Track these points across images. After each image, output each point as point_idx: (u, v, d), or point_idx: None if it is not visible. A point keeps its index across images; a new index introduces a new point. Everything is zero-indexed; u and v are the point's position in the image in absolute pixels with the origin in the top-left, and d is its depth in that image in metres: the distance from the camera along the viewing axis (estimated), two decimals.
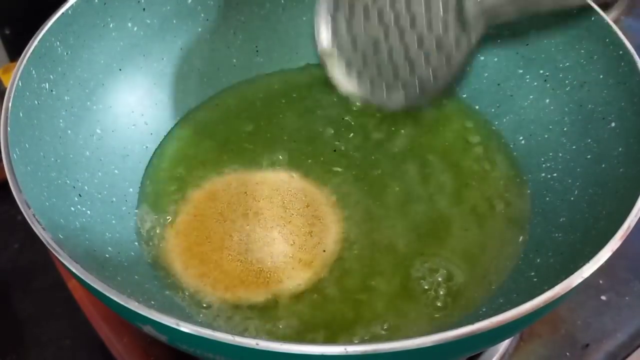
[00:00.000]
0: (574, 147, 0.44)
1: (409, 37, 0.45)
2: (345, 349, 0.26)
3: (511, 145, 0.49)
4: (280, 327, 0.39)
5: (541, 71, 0.48)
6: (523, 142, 0.49)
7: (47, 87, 0.41)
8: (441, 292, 0.41)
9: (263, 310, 0.40)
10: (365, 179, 0.47)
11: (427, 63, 0.45)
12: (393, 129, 0.51)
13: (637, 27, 0.68)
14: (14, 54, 0.61)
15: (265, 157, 0.49)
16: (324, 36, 0.47)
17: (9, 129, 0.36)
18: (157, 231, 0.45)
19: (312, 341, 0.38)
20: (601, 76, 0.43)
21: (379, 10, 0.45)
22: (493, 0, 0.43)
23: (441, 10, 0.44)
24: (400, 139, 0.50)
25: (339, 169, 0.48)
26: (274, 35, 0.55)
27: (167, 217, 0.45)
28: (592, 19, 0.44)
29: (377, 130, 0.51)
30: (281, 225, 0.44)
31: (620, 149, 0.40)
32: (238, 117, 0.52)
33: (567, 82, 0.46)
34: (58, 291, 0.46)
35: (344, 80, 0.48)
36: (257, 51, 0.55)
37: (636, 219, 0.33)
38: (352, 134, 0.51)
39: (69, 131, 0.43)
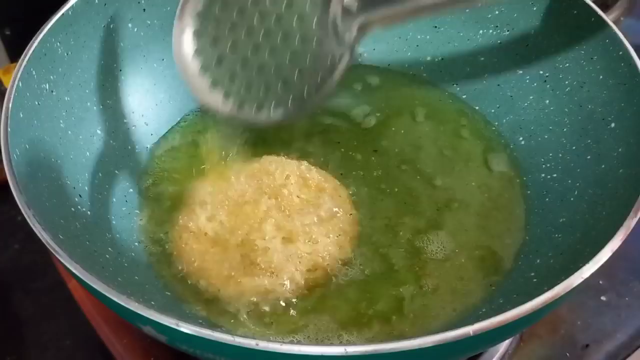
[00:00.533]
0: (573, 147, 0.44)
1: (280, 52, 0.43)
2: (345, 349, 0.26)
3: (511, 146, 0.49)
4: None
5: (541, 72, 0.48)
6: (523, 142, 0.49)
7: (48, 87, 0.41)
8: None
9: (267, 310, 0.40)
10: (366, 180, 0.47)
11: (300, 78, 0.43)
12: (393, 129, 0.51)
13: (637, 27, 0.68)
14: (15, 54, 0.61)
15: (266, 155, 0.49)
16: (186, 52, 0.43)
17: (9, 129, 0.36)
18: (158, 232, 0.45)
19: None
20: (601, 77, 0.43)
21: (247, 26, 0.43)
22: (364, 15, 0.41)
23: (314, 24, 0.42)
24: (400, 140, 0.50)
25: (341, 172, 0.48)
26: None
27: (168, 217, 0.45)
28: (592, 19, 0.44)
29: (376, 132, 0.51)
30: (288, 225, 0.43)
31: (620, 150, 0.40)
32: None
33: (567, 82, 0.46)
34: (58, 291, 0.46)
35: (208, 96, 0.44)
36: None
37: (636, 220, 0.33)
38: (351, 136, 0.51)
39: (69, 132, 0.43)
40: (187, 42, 0.43)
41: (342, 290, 0.41)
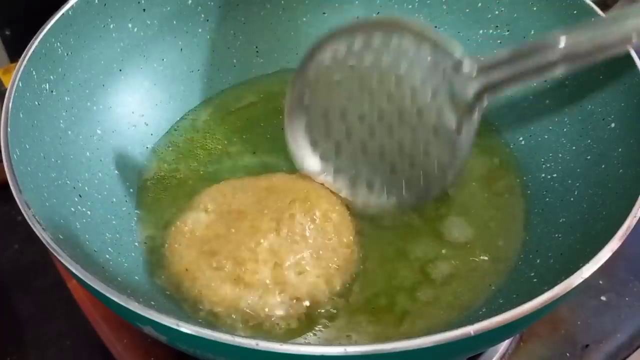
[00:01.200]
0: (573, 147, 0.44)
1: (398, 132, 0.41)
2: (345, 349, 0.26)
3: (511, 146, 0.49)
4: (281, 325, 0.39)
5: None
6: (523, 142, 0.49)
7: (48, 87, 0.41)
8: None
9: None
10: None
11: (426, 158, 0.41)
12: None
13: None
14: (15, 54, 0.61)
15: (267, 157, 0.49)
16: (309, 161, 0.44)
17: (9, 129, 0.36)
18: (158, 232, 0.45)
19: None
20: (601, 77, 0.43)
21: (359, 113, 0.41)
22: (491, 75, 0.39)
23: (429, 95, 0.39)
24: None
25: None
26: (273, 35, 0.55)
27: (168, 218, 0.45)
28: (592, 19, 0.44)
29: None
30: (286, 225, 0.43)
31: (620, 150, 0.40)
32: (238, 117, 0.52)
33: (566, 82, 0.46)
34: (58, 291, 0.46)
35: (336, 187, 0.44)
36: (257, 52, 0.55)
37: (636, 220, 0.33)
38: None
39: (69, 132, 0.43)
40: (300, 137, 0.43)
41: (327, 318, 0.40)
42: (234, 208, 0.42)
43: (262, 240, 0.40)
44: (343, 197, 0.44)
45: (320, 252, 0.40)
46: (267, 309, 0.38)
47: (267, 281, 0.39)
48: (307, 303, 0.39)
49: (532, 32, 0.49)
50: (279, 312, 0.38)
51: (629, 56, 0.41)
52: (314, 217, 0.41)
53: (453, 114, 0.40)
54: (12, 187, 0.34)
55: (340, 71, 0.42)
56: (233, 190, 0.44)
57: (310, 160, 0.44)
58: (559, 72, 0.37)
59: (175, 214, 0.45)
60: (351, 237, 0.42)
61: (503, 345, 0.43)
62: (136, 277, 0.40)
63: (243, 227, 0.41)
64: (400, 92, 0.41)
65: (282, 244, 0.40)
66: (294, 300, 0.39)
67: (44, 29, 0.41)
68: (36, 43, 0.40)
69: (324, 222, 0.41)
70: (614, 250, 0.31)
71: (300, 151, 0.45)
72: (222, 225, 0.42)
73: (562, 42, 0.36)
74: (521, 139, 0.49)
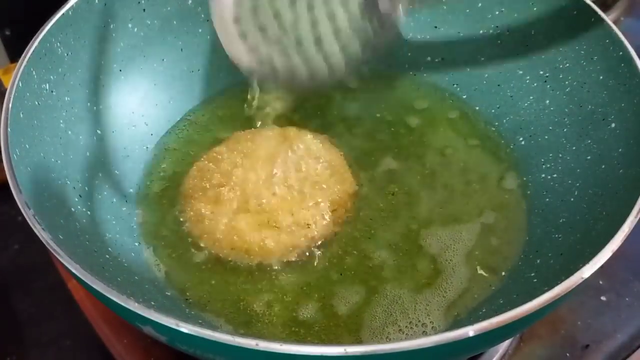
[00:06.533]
0: (574, 148, 0.44)
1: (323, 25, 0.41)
2: (345, 350, 0.26)
3: (511, 146, 0.49)
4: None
5: (541, 72, 0.48)
6: (523, 143, 0.49)
7: (48, 87, 0.41)
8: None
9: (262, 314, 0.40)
10: (369, 180, 0.47)
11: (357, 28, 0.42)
12: (392, 129, 0.51)
13: (637, 28, 0.68)
14: (15, 54, 0.61)
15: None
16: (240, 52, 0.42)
17: (9, 129, 0.36)
18: (158, 232, 0.45)
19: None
20: (601, 77, 0.43)
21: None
22: None
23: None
24: (401, 140, 0.50)
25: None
26: None
27: (168, 218, 0.45)
28: (592, 19, 0.44)
29: (378, 131, 0.51)
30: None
31: (620, 150, 0.40)
32: (238, 117, 0.52)
33: (567, 82, 0.46)
34: (58, 291, 0.46)
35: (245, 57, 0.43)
36: None
37: (636, 220, 0.33)
38: (353, 137, 0.51)
39: (69, 132, 0.43)
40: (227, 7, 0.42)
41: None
42: (229, 201, 0.44)
43: (262, 222, 0.43)
44: (281, 84, 0.45)
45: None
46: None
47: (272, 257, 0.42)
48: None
49: (533, 32, 0.49)
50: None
51: (629, 56, 0.41)
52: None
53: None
54: (12, 187, 0.34)
55: None
56: (227, 186, 0.45)
57: (241, 52, 0.43)
58: None
59: (175, 213, 0.45)
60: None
61: (503, 346, 0.43)
62: (136, 277, 0.40)
63: (240, 216, 0.43)
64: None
65: (281, 219, 0.43)
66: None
67: (44, 29, 0.41)
68: (36, 43, 0.40)
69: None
70: (614, 250, 0.31)
71: (232, 44, 0.43)
72: (222, 218, 0.44)
73: None
74: (521, 139, 0.49)
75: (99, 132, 0.46)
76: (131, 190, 0.47)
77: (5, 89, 0.38)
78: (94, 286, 0.30)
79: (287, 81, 0.44)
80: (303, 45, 0.42)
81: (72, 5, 0.43)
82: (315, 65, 0.43)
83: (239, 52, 0.43)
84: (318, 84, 0.44)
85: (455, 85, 0.54)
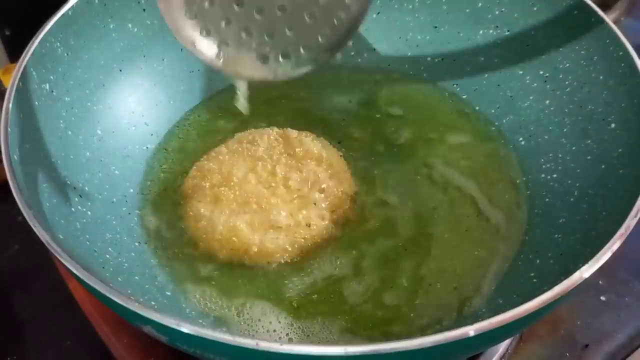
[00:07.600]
0: (574, 148, 0.44)
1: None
2: (345, 350, 0.26)
3: (511, 146, 0.49)
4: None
5: (541, 72, 0.48)
6: (523, 143, 0.49)
7: (48, 87, 0.41)
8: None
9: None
10: (368, 180, 0.47)
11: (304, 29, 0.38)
12: (393, 129, 0.51)
13: (637, 28, 0.68)
14: (14, 55, 0.61)
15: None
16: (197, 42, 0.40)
17: (9, 129, 0.36)
18: (158, 232, 0.45)
19: None
20: (601, 77, 0.43)
21: None
22: None
23: None
24: (401, 140, 0.50)
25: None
26: None
27: (168, 218, 0.45)
28: (592, 19, 0.44)
29: (379, 131, 0.51)
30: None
31: (620, 150, 0.40)
32: (238, 117, 0.52)
33: (567, 83, 0.46)
34: (58, 291, 0.46)
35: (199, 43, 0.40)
36: None
37: (636, 220, 0.33)
38: (353, 138, 0.51)
39: (69, 132, 0.43)
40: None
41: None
42: (229, 202, 0.44)
43: (262, 225, 0.43)
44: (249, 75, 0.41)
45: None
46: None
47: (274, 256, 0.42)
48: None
49: (533, 32, 0.49)
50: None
51: (629, 56, 0.41)
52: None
53: None
54: (12, 187, 0.34)
55: None
56: (227, 186, 0.45)
57: (199, 41, 0.41)
58: None
59: (176, 213, 0.45)
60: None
61: (503, 345, 0.43)
62: (136, 277, 0.40)
63: (240, 217, 0.43)
64: None
65: (282, 220, 0.43)
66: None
67: (44, 29, 0.41)
68: (36, 43, 0.40)
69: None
70: (614, 250, 0.31)
71: (184, 30, 0.41)
72: (222, 218, 0.43)
73: None
74: (521, 139, 0.49)
75: (99, 132, 0.46)
76: (131, 190, 0.47)
77: (5, 89, 0.38)
78: (94, 286, 0.30)
79: (252, 68, 0.40)
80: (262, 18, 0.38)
81: (72, 5, 0.43)
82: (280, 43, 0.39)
83: (183, 24, 0.40)
84: (287, 70, 0.40)
85: (455, 85, 0.54)
